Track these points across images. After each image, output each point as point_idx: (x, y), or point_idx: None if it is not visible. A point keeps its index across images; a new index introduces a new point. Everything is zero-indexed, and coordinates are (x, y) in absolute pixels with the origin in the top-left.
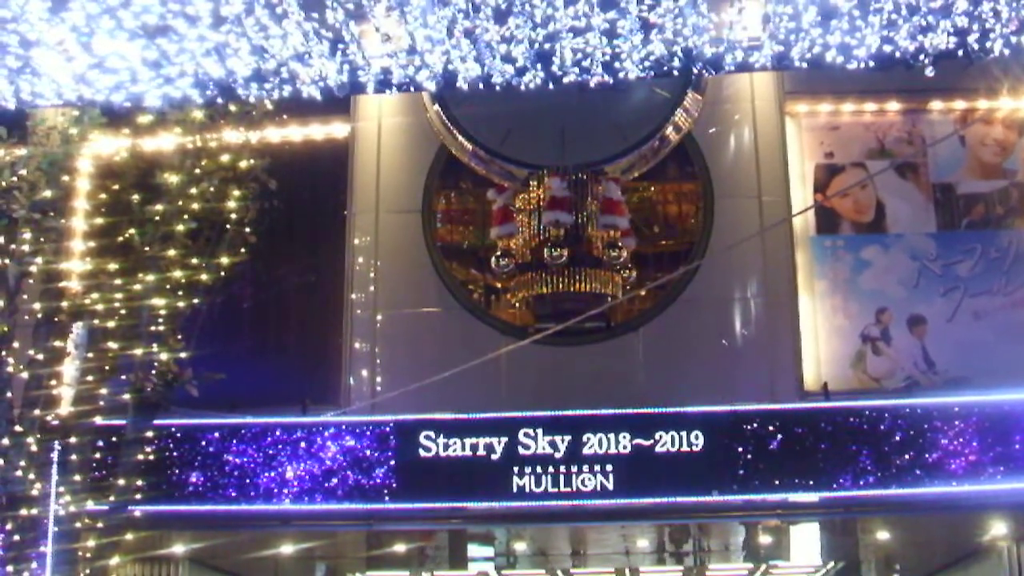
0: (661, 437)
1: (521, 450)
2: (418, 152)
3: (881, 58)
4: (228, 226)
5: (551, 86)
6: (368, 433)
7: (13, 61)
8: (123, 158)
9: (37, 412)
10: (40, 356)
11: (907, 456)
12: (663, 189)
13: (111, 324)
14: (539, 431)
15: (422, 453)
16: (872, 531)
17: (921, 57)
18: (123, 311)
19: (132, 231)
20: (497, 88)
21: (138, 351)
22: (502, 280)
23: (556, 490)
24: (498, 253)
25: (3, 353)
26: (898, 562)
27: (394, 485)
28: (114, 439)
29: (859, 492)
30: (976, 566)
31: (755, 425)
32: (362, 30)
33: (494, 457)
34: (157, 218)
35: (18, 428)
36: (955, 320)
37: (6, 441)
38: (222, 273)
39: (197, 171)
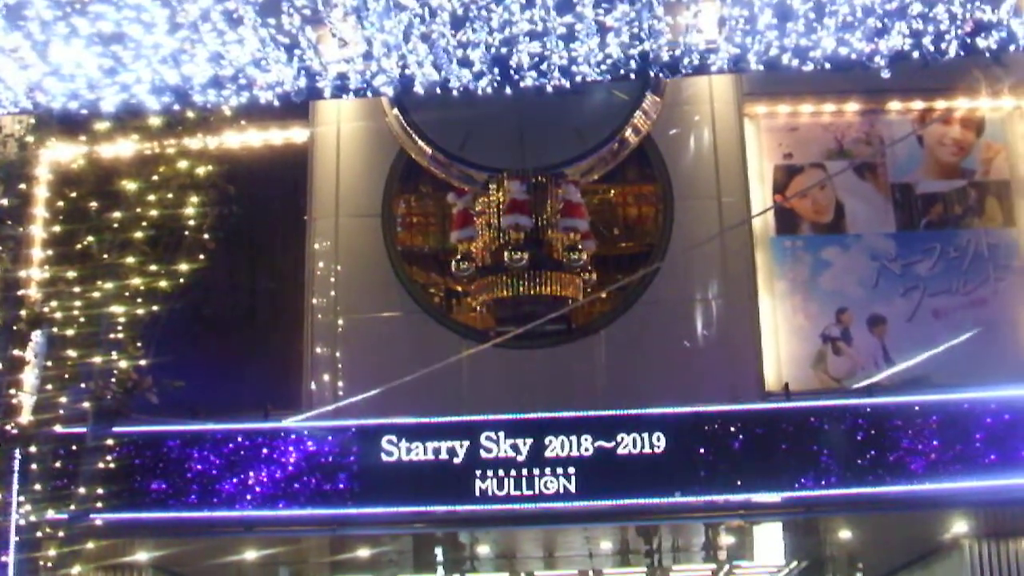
0: (623, 439)
1: (483, 453)
2: (377, 156)
3: (837, 60)
4: (187, 233)
5: (508, 91)
6: (330, 438)
7: None
8: (81, 165)
9: None
10: None
11: (868, 455)
12: (623, 191)
13: (70, 332)
14: (501, 434)
15: (384, 457)
16: (835, 530)
17: (877, 59)
18: (82, 319)
19: (90, 238)
20: (454, 93)
21: (97, 359)
22: (463, 284)
23: (519, 493)
24: (458, 257)
25: None
26: (861, 561)
27: (357, 490)
28: (74, 447)
29: (821, 492)
30: (938, 564)
31: (717, 426)
32: (319, 35)
33: (456, 461)
34: (115, 225)
35: None
36: (915, 319)
37: None
38: (181, 280)
39: (155, 178)
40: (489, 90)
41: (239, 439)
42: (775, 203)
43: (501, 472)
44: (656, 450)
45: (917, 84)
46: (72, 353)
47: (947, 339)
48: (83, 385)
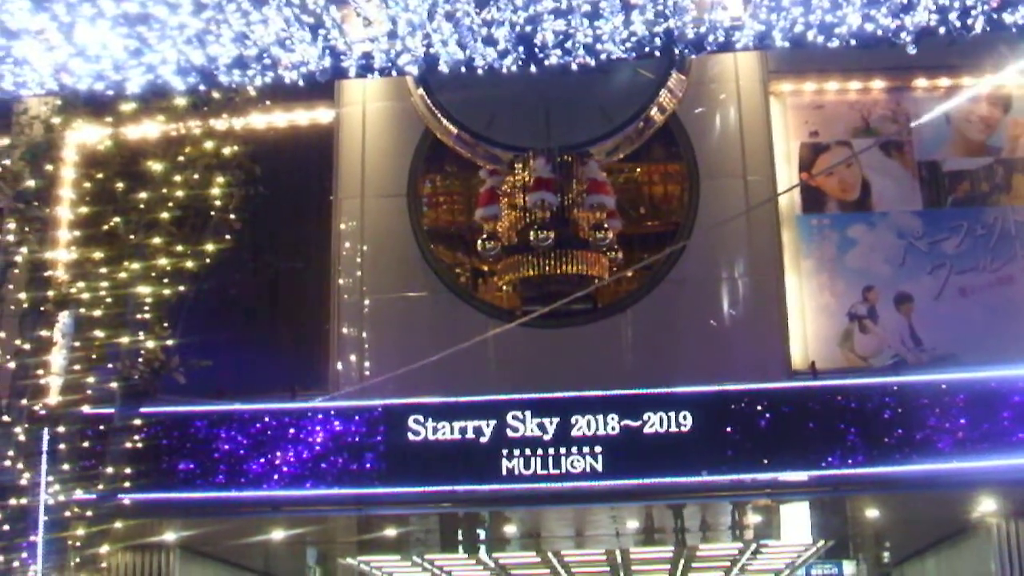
0: (649, 418)
1: (510, 433)
2: (403, 136)
3: (862, 36)
4: (213, 213)
5: (533, 69)
6: (357, 418)
7: None
8: (107, 147)
9: (25, 402)
10: (27, 346)
11: (895, 434)
12: (648, 170)
13: (97, 313)
14: (527, 413)
15: (411, 437)
16: (862, 509)
17: (902, 35)
18: (109, 299)
19: (117, 219)
20: (479, 72)
21: (124, 339)
22: (489, 263)
23: (545, 472)
24: (484, 236)
25: None
26: (888, 540)
27: (384, 469)
28: (102, 428)
29: (848, 470)
30: (965, 543)
31: (743, 404)
32: (343, 15)
33: (483, 440)
34: (142, 206)
35: (6, 418)
36: (942, 297)
37: None
38: (207, 260)
39: (181, 158)
40: (514, 68)
41: (266, 419)
42: (801, 181)
43: (528, 451)
44: (683, 429)
45: (944, 61)
46: (99, 334)
47: (974, 317)
48: (110, 366)
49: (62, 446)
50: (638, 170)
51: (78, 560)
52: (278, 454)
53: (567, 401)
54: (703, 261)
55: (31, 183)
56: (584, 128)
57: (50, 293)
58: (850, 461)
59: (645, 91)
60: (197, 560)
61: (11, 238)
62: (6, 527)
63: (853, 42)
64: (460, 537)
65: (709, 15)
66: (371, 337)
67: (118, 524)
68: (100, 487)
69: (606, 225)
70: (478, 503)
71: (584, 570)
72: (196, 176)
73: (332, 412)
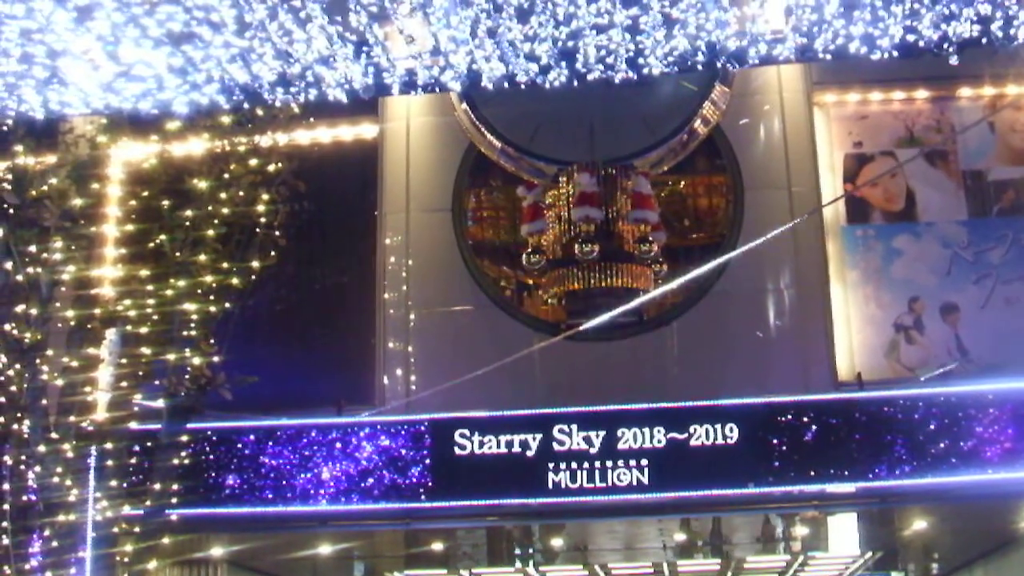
0: (696, 430)
1: (556, 446)
2: (447, 151)
3: (905, 48)
4: (258, 230)
5: (575, 84)
6: (403, 432)
7: (40, 71)
8: (152, 164)
9: (72, 419)
10: (74, 363)
11: (942, 445)
12: (692, 182)
13: (144, 330)
14: (573, 427)
15: (457, 451)
16: (909, 521)
17: (945, 46)
18: (155, 317)
19: (163, 237)
20: (522, 87)
21: (171, 356)
22: (534, 277)
23: (592, 486)
24: (529, 250)
25: (37, 361)
26: (937, 551)
27: (430, 484)
28: (149, 444)
29: (895, 482)
30: (1015, 554)
31: (790, 416)
32: (386, 32)
33: (529, 454)
34: (187, 223)
35: (54, 435)
36: (988, 307)
37: (42, 448)
38: (253, 277)
39: (226, 176)
40: (556, 84)
41: (313, 434)
42: (846, 192)
43: (574, 464)
44: (729, 441)
45: (987, 70)
46: (146, 351)
47: (1020, 326)
48: (157, 382)
49: (110, 462)
50: (682, 182)
51: None
52: (325, 469)
53: (613, 414)
54: (748, 273)
55: (77, 201)
56: (628, 141)
57: (97, 311)
58: (897, 472)
59: (688, 103)
60: (244, 575)
61: (58, 256)
62: (55, 543)
63: (895, 54)
64: (507, 551)
65: (751, 28)
66: (417, 351)
67: (166, 540)
68: (148, 503)
69: (651, 238)
70: (524, 517)
71: None
72: (241, 193)
73: (378, 427)
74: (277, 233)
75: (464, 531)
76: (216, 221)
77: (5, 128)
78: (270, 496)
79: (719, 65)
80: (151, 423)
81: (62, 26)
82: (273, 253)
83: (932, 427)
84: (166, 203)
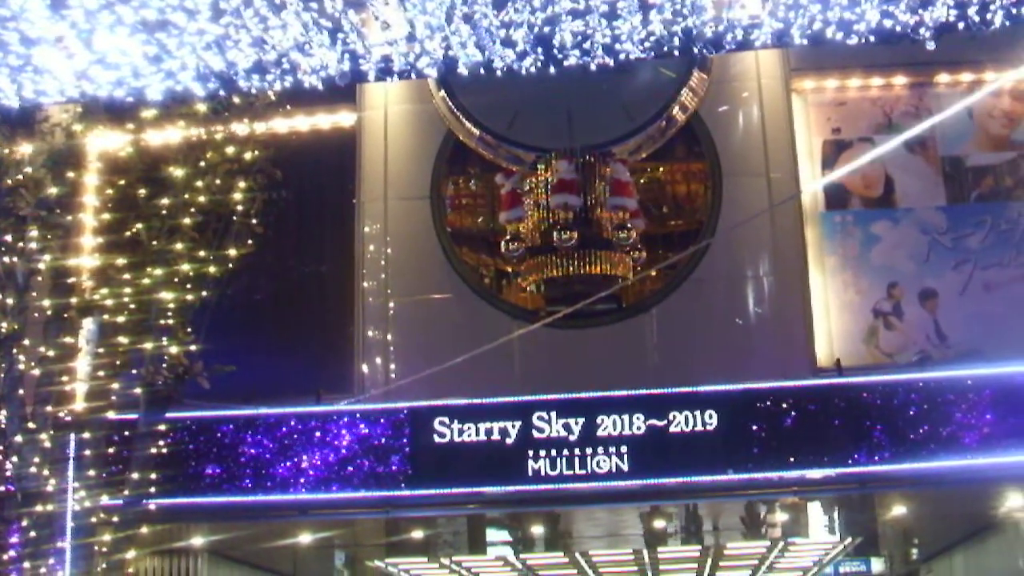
0: (675, 417)
1: (535, 433)
2: (425, 139)
3: (881, 33)
4: (235, 218)
5: (552, 70)
6: (383, 420)
7: (14, 59)
8: (128, 153)
9: (50, 408)
10: (51, 353)
11: (921, 430)
12: (671, 169)
13: (121, 319)
14: (553, 414)
15: (437, 439)
16: (889, 506)
17: (922, 31)
18: (132, 306)
19: (139, 225)
20: (498, 73)
21: (148, 345)
22: (512, 264)
23: (571, 473)
24: (508, 237)
25: (14, 351)
26: (916, 536)
27: (410, 472)
28: (127, 433)
29: (874, 467)
30: (994, 539)
31: (769, 403)
32: (362, 19)
33: (509, 441)
34: (164, 212)
35: (31, 425)
36: (966, 293)
37: (20, 438)
38: (230, 265)
39: (203, 164)
40: (533, 70)
41: (292, 423)
42: (824, 178)
43: (553, 452)
44: (708, 428)
45: (965, 56)
46: (123, 340)
47: (999, 312)
48: (135, 371)
49: (88, 452)
50: (661, 169)
51: (105, 565)
52: (304, 458)
53: (592, 401)
54: (727, 259)
55: (53, 190)
56: (606, 128)
57: (73, 300)
58: (876, 458)
59: (667, 90)
60: (224, 564)
61: (34, 245)
62: (33, 533)
63: (872, 39)
64: (487, 538)
65: (727, 13)
66: (396, 339)
67: (145, 529)
68: (126, 492)
69: (629, 225)
70: (504, 504)
71: (612, 570)
72: (218, 181)
73: (357, 415)
74: (254, 221)
75: (444, 519)
76: (193, 209)
77: None
78: (249, 485)
79: (696, 51)
80: (129, 412)
81: (36, 13)
82: (250, 241)
83: (911, 413)
84: (142, 191)
